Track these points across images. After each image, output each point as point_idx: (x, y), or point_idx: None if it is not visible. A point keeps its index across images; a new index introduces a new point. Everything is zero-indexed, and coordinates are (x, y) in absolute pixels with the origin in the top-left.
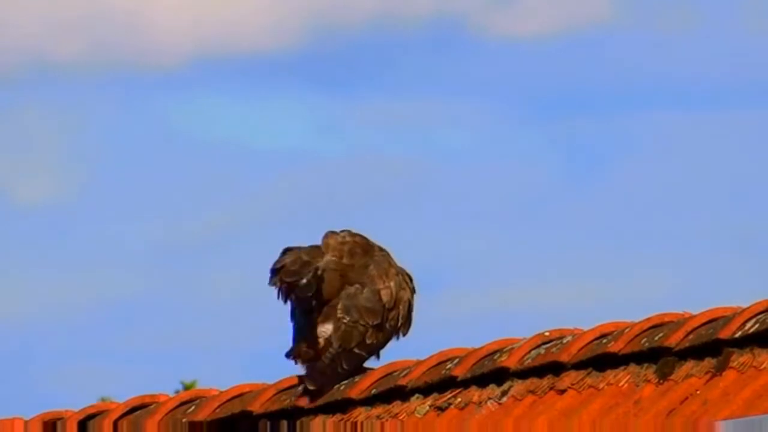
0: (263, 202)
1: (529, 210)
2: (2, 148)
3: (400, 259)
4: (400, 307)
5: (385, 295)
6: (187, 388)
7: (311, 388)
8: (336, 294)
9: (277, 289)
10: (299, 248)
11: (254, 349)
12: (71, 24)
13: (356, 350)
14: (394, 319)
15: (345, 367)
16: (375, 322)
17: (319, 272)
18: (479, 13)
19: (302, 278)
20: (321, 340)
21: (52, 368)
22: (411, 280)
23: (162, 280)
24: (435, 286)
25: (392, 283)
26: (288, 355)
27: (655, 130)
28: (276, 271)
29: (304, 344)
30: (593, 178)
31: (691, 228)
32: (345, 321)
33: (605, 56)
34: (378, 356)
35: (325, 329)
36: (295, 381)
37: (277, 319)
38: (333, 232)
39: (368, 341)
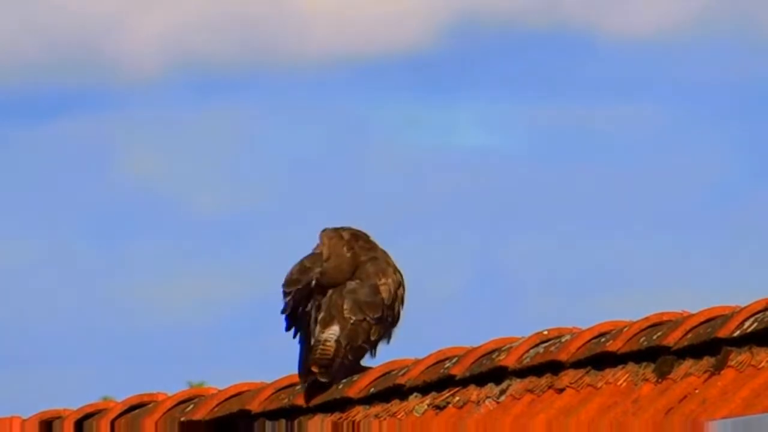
0: (443, 200)
1: (708, 212)
2: (175, 158)
3: (586, 258)
4: (396, 305)
5: (384, 291)
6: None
7: (324, 380)
8: (344, 277)
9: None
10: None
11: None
12: (219, 23)
13: (362, 345)
14: (391, 316)
15: (350, 358)
16: (376, 316)
17: (324, 268)
18: (587, 11)
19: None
20: (331, 344)
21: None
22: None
23: None
24: (618, 286)
25: (390, 280)
26: (301, 372)
27: None
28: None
29: (315, 354)
30: None
31: None
32: (351, 321)
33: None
34: (374, 354)
35: (333, 331)
36: (293, 380)
37: None
38: (333, 229)
39: (372, 337)
